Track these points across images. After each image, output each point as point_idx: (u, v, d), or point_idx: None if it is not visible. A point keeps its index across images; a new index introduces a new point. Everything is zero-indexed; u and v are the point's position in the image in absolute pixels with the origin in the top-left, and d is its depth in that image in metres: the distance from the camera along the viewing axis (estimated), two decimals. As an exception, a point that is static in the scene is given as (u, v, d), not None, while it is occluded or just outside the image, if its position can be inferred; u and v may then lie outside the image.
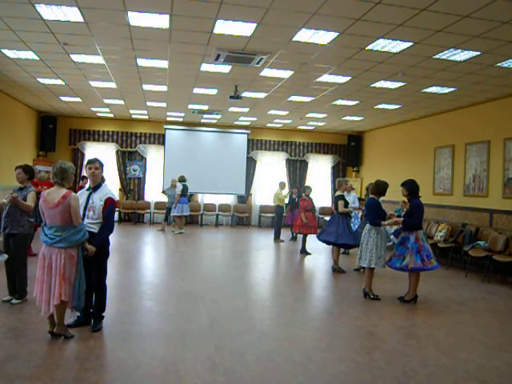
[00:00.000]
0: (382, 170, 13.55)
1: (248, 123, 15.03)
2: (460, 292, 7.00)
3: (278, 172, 15.84)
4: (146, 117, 14.48)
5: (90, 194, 4.51)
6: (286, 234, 12.80)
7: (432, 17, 5.26)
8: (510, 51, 6.33)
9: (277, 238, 12.12)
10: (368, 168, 15.35)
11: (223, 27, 5.96)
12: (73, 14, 5.62)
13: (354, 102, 10.50)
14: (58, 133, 14.24)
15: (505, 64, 6.92)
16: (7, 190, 6.15)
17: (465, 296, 6.75)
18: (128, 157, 15.22)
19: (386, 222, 6.27)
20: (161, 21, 5.80)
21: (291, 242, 12.02)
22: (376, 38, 6.13)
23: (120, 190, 15.06)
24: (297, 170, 16.19)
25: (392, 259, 6.22)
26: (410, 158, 12.38)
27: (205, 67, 8.01)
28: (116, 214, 4.27)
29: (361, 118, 12.80)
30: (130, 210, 14.87)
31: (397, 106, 10.75)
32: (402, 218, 6.27)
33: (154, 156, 15.34)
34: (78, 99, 11.51)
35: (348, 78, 8.34)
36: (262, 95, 10.23)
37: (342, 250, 9.02)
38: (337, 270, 8.13)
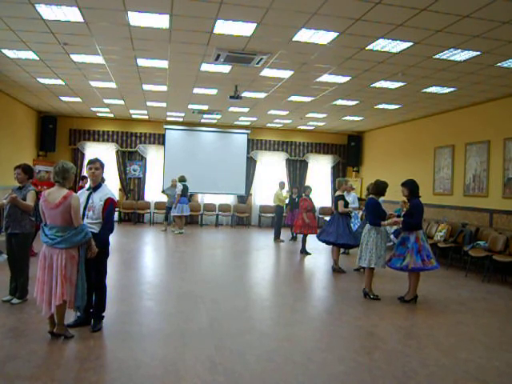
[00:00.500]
0: (382, 170, 13.55)
1: (248, 123, 15.03)
2: (460, 292, 7.00)
3: (277, 172, 15.84)
4: (146, 117, 14.48)
5: (90, 193, 4.51)
6: (286, 234, 12.80)
7: (432, 17, 5.26)
8: (510, 51, 6.33)
9: (277, 238, 12.13)
10: (368, 168, 15.35)
11: (223, 27, 5.96)
12: (73, 14, 5.62)
13: (353, 102, 10.51)
14: (58, 133, 14.24)
15: (505, 64, 6.92)
16: (7, 189, 6.14)
17: (465, 296, 6.75)
18: (128, 157, 15.22)
19: (386, 222, 6.27)
20: (161, 21, 5.80)
21: (291, 242, 12.02)
22: (376, 38, 6.13)
23: (120, 190, 15.06)
24: (297, 170, 16.19)
25: (392, 259, 6.22)
26: (410, 158, 12.38)
27: (205, 67, 8.01)
28: (116, 214, 4.27)
29: (361, 118, 12.80)
30: (129, 210, 14.87)
31: (397, 106, 10.75)
32: (401, 218, 6.27)
33: (154, 156, 15.34)
34: (78, 99, 11.52)
35: (348, 78, 8.34)
36: (262, 95, 10.23)
37: (341, 249, 9.02)
38: (337, 270, 8.13)
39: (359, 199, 10.17)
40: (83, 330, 4.46)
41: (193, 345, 4.25)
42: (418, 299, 6.16)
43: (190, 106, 12.17)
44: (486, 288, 7.34)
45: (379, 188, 6.45)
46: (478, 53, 6.48)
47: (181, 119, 14.73)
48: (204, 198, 15.70)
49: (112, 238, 4.70)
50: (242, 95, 9.65)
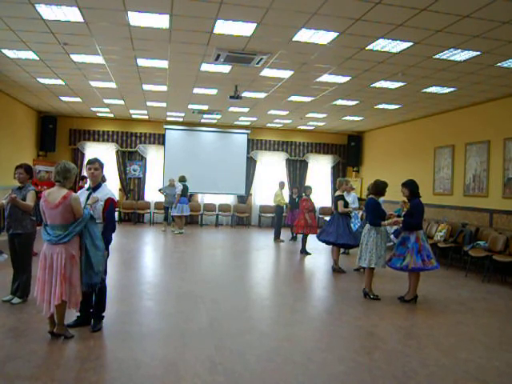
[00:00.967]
0: (382, 170, 13.55)
1: (248, 123, 15.03)
2: (460, 292, 7.00)
3: (278, 172, 15.84)
4: (146, 117, 14.48)
5: (90, 193, 4.50)
6: (285, 234, 12.80)
7: (432, 17, 5.26)
8: (510, 51, 6.33)
9: (277, 238, 12.13)
10: (368, 168, 15.35)
11: (223, 27, 5.96)
12: (73, 14, 5.62)
13: (353, 102, 10.51)
14: (58, 133, 14.24)
15: (505, 64, 6.92)
16: (7, 189, 6.14)
17: (465, 296, 6.75)
18: (128, 157, 15.22)
19: (386, 222, 6.27)
20: (161, 21, 5.80)
21: (291, 242, 12.02)
22: (376, 38, 6.13)
23: (120, 190, 15.06)
24: (297, 170, 16.19)
25: (392, 259, 6.22)
26: (410, 158, 12.38)
27: (205, 67, 8.01)
28: (116, 213, 4.25)
29: (361, 118, 12.80)
30: (130, 210, 14.87)
31: (397, 106, 10.75)
32: (402, 218, 6.27)
33: (154, 156, 15.34)
34: (78, 99, 11.52)
35: (348, 78, 8.34)
36: (262, 95, 10.23)
37: (341, 249, 9.02)
38: (337, 270, 8.13)
39: (359, 199, 10.17)
40: (83, 329, 4.46)
41: (193, 345, 4.25)
42: (418, 299, 6.16)
43: (190, 106, 12.17)
44: (486, 288, 7.34)
45: (379, 188, 6.45)
46: (478, 53, 6.48)
47: (181, 119, 14.73)
48: (204, 198, 15.70)
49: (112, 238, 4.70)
50: (242, 95, 9.65)
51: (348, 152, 15.97)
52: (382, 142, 14.39)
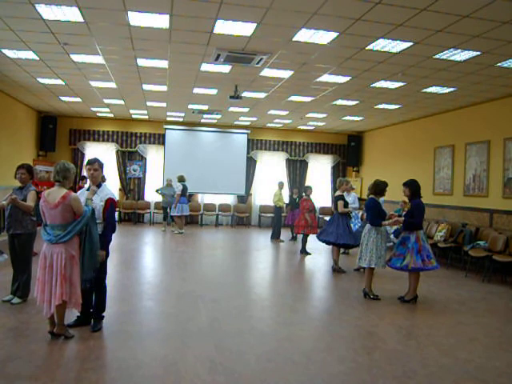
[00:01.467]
0: (382, 170, 13.55)
1: (248, 123, 15.03)
2: (460, 292, 7.00)
3: (277, 172, 15.84)
4: (146, 117, 14.48)
5: (90, 194, 4.51)
6: (285, 234, 12.80)
7: (432, 17, 5.26)
8: (510, 51, 6.33)
9: (276, 238, 12.13)
10: (368, 168, 15.36)
11: (223, 27, 5.96)
12: (73, 14, 5.62)
13: (354, 102, 10.50)
14: (57, 133, 14.23)
15: (505, 64, 6.92)
16: (7, 189, 6.14)
17: (465, 296, 6.75)
18: (128, 157, 15.22)
19: (387, 222, 6.27)
20: (161, 21, 5.80)
21: (291, 242, 12.02)
22: (376, 38, 6.13)
23: (120, 190, 15.06)
24: (297, 170, 16.19)
25: (392, 259, 6.22)
26: (410, 158, 12.38)
27: (205, 67, 8.01)
28: (116, 213, 4.25)
29: (361, 118, 12.80)
30: (130, 210, 14.87)
31: (397, 106, 10.74)
32: (402, 218, 6.26)
33: (153, 156, 15.34)
34: (78, 99, 11.52)
35: (348, 78, 8.34)
36: (262, 95, 10.23)
37: (341, 250, 9.02)
38: (337, 270, 8.13)
39: (359, 199, 10.17)
40: (83, 329, 4.46)
41: (193, 345, 4.25)
42: (418, 299, 6.16)
43: (190, 106, 12.17)
44: (486, 288, 7.34)
45: (379, 188, 6.45)
46: (478, 53, 6.48)
47: (181, 119, 14.73)
48: (204, 198, 15.70)
49: (112, 238, 4.70)
50: (242, 95, 9.65)
51: (348, 152, 15.97)
52: (382, 142, 14.39)
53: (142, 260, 9.38)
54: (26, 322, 4.65)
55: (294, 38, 6.28)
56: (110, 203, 4.46)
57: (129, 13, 5.54)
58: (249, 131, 15.57)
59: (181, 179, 12.93)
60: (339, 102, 10.50)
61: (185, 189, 12.85)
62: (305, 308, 5.90)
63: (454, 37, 5.90)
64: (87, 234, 4.19)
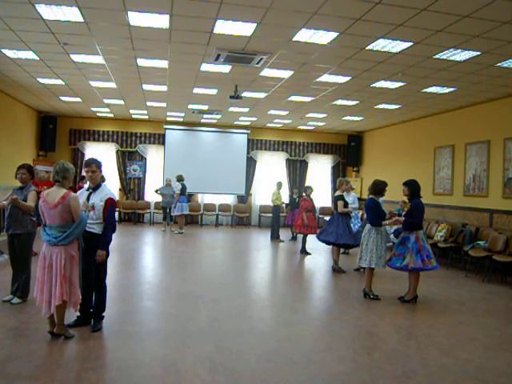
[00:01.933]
0: (382, 170, 13.55)
1: (248, 123, 15.03)
2: (460, 292, 7.00)
3: (277, 172, 15.84)
4: (146, 117, 14.48)
5: (90, 194, 4.51)
6: (285, 233, 12.80)
7: (432, 17, 5.26)
8: (510, 51, 6.33)
9: (276, 237, 12.13)
10: (368, 168, 15.35)
11: (223, 27, 5.96)
12: (73, 14, 5.61)
13: (354, 102, 10.50)
14: (57, 133, 14.23)
15: (505, 64, 6.92)
16: (7, 189, 6.14)
17: (465, 296, 6.75)
18: (128, 157, 15.22)
19: (387, 222, 6.27)
20: (161, 21, 5.80)
21: (291, 242, 12.02)
22: (376, 38, 6.13)
23: (120, 190, 15.06)
24: (297, 170, 16.19)
25: (392, 259, 6.22)
26: (410, 158, 12.38)
27: (205, 67, 8.00)
28: (116, 213, 4.24)
29: (361, 118, 12.80)
30: (130, 210, 14.87)
31: (397, 106, 10.74)
32: (403, 218, 6.26)
33: (154, 156, 15.34)
34: (78, 99, 11.51)
35: (348, 78, 8.34)
36: (262, 95, 10.23)
37: (341, 249, 9.02)
38: (337, 270, 8.13)
39: (359, 199, 10.17)
40: (83, 329, 4.46)
41: (193, 345, 4.25)
42: (418, 299, 6.16)
43: (190, 106, 12.17)
44: (486, 288, 7.34)
45: (378, 188, 6.44)
46: (478, 53, 6.48)
47: (181, 119, 14.73)
48: (204, 198, 15.70)
49: (112, 238, 4.70)
50: (242, 95, 9.65)
51: (348, 152, 15.96)
52: (382, 142, 14.39)
53: (142, 260, 9.38)
54: (26, 322, 4.65)
55: (294, 38, 6.28)
56: (110, 203, 4.46)
57: (129, 13, 5.54)
58: (249, 131, 15.57)
59: (179, 178, 12.93)
60: (339, 101, 10.50)
61: (184, 188, 12.86)
62: (305, 308, 5.90)
63: (454, 37, 5.90)
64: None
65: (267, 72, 8.15)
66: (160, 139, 15.28)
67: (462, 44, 6.16)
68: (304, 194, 10.32)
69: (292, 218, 11.79)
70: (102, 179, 4.83)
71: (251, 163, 15.86)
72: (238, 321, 5.10)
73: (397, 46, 6.36)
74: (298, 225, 9.75)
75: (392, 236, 8.87)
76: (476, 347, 4.54)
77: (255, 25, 5.83)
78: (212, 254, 10.03)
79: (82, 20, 5.81)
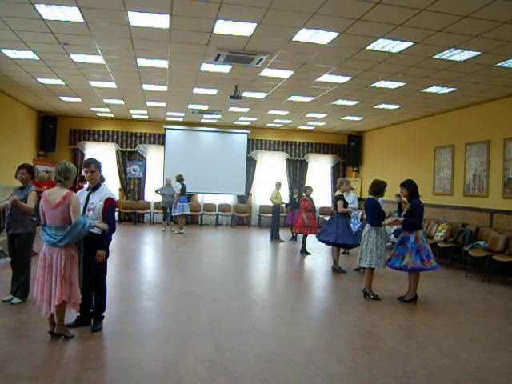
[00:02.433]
0: (382, 170, 13.55)
1: (248, 123, 15.03)
2: (460, 292, 7.00)
3: (277, 172, 15.84)
4: (146, 117, 14.48)
5: (90, 194, 4.51)
6: (285, 233, 12.80)
7: (432, 17, 5.26)
8: (510, 51, 6.33)
9: (276, 237, 12.13)
10: (368, 168, 15.35)
11: (223, 27, 5.96)
12: (73, 14, 5.61)
13: (354, 102, 10.50)
14: (57, 133, 14.23)
15: (505, 64, 6.92)
16: (7, 189, 6.15)
17: (465, 296, 6.75)
18: (128, 157, 15.22)
19: (387, 222, 6.27)
20: (161, 21, 5.80)
21: (291, 242, 12.02)
22: (376, 38, 6.13)
23: (120, 190, 15.06)
24: (297, 170, 16.19)
25: (391, 259, 6.22)
26: (410, 158, 12.38)
27: (205, 67, 8.00)
28: (116, 213, 4.25)
29: (361, 118, 12.80)
30: (130, 210, 14.87)
31: (397, 106, 10.74)
32: (402, 218, 6.26)
33: (154, 156, 15.34)
34: (78, 99, 11.51)
35: (348, 78, 8.34)
36: (262, 95, 10.23)
37: (341, 249, 9.02)
38: (337, 270, 8.13)
39: (359, 199, 10.17)
40: (83, 329, 4.46)
41: (193, 345, 4.25)
42: (418, 299, 6.16)
43: (190, 106, 12.17)
44: (486, 288, 7.34)
45: (377, 188, 6.44)
46: (478, 53, 6.48)
47: (181, 119, 14.73)
48: (204, 198, 15.70)
49: (112, 238, 4.70)
50: (242, 95, 9.65)
51: (348, 152, 15.96)
52: (382, 142, 14.39)
53: (142, 260, 9.38)
54: (26, 322, 4.65)
55: (294, 38, 6.28)
56: (110, 203, 4.46)
57: (129, 13, 5.54)
58: (249, 131, 15.57)
59: (179, 178, 12.94)
60: (339, 101, 10.50)
61: (184, 188, 12.87)
62: (305, 308, 5.90)
63: (454, 37, 5.90)
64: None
65: (267, 72, 8.15)
66: (160, 139, 15.28)
67: (462, 44, 6.16)
68: (304, 194, 10.32)
69: (292, 217, 11.79)
70: (102, 179, 4.83)
71: (251, 163, 15.86)
72: (238, 321, 5.10)
73: (397, 46, 6.36)
74: (298, 225, 9.76)
75: (392, 236, 8.88)
76: (476, 347, 4.54)
77: (255, 25, 5.83)
78: (212, 254, 10.03)
79: (82, 20, 5.81)
